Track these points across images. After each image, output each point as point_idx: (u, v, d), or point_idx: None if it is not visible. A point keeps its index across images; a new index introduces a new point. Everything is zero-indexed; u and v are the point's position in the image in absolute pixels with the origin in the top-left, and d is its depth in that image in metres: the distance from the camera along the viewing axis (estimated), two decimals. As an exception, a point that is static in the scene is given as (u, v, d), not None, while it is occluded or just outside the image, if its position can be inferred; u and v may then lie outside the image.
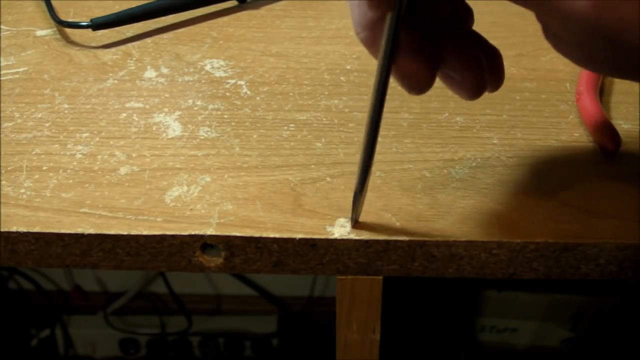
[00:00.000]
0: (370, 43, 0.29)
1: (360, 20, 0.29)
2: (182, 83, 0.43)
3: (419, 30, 0.28)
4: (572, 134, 0.39)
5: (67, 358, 1.00)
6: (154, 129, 0.40)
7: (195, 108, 0.41)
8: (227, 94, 0.42)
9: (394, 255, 0.34)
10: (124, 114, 0.41)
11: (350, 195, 0.35)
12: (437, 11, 0.29)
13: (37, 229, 0.33)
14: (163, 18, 0.49)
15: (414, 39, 0.28)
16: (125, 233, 0.33)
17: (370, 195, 0.35)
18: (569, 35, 0.26)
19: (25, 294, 0.97)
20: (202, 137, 0.39)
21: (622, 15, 0.23)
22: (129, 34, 0.48)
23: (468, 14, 0.31)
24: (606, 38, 0.24)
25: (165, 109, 0.41)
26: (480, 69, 0.30)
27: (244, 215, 0.34)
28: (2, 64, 0.45)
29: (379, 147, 0.38)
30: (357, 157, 0.38)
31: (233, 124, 0.40)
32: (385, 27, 0.27)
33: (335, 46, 0.47)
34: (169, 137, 0.39)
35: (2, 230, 0.33)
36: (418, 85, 0.29)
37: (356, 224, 0.33)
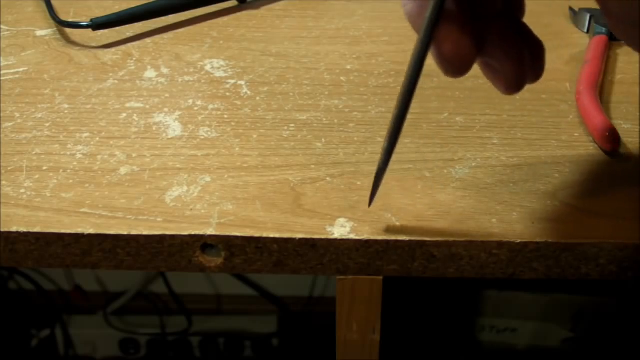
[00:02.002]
0: (414, 15, 0.28)
1: (407, 4, 0.28)
2: (182, 83, 0.43)
3: (466, 9, 0.27)
4: (572, 134, 0.39)
5: (67, 358, 1.00)
6: (154, 129, 0.40)
7: (195, 108, 0.41)
8: (227, 94, 0.42)
9: (394, 255, 0.34)
10: (124, 114, 0.41)
11: (350, 196, 0.35)
12: (490, 2, 0.28)
13: (37, 229, 0.33)
14: (163, 18, 0.49)
15: (459, 16, 0.27)
16: (125, 233, 0.33)
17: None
18: (625, 15, 0.26)
19: (25, 294, 0.97)
20: (202, 137, 0.39)
21: None
22: (129, 34, 0.48)
23: (521, 5, 0.30)
24: None
25: (165, 109, 0.41)
26: (521, 61, 0.29)
27: (244, 215, 0.34)
28: (2, 64, 0.45)
29: (379, 147, 0.38)
30: (357, 157, 0.38)
31: (233, 124, 0.40)
32: (429, 6, 0.27)
33: (335, 46, 0.47)
34: (169, 137, 0.39)
35: (2, 230, 0.33)
36: (456, 64, 0.28)
37: (372, 203, 0.33)
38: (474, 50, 0.28)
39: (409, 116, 0.40)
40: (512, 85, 0.29)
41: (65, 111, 0.41)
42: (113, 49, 0.47)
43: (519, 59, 0.29)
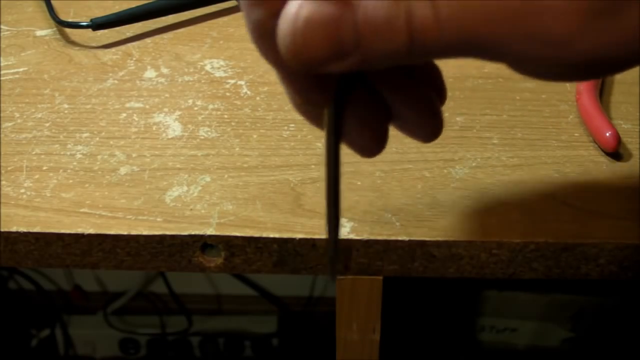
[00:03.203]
0: (310, 118, 0.27)
1: (294, 99, 0.26)
2: (182, 83, 0.43)
3: (364, 104, 0.26)
4: (572, 134, 0.39)
5: (67, 358, 1.00)
6: (154, 129, 0.40)
7: (195, 108, 0.41)
8: (227, 94, 0.42)
9: (394, 255, 0.34)
10: (124, 114, 0.41)
11: (350, 196, 0.35)
12: (388, 77, 0.26)
13: (37, 229, 0.33)
14: (163, 18, 0.49)
15: (359, 117, 0.26)
16: (125, 233, 0.33)
17: (370, 195, 0.35)
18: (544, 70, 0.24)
19: (25, 294, 0.97)
20: (202, 137, 0.39)
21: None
22: (129, 34, 0.48)
23: (441, 88, 0.28)
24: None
25: (165, 109, 0.41)
26: (434, 113, 0.27)
27: (244, 215, 0.34)
28: (2, 64, 0.45)
29: (379, 147, 0.38)
30: (356, 157, 0.37)
31: (233, 124, 0.40)
32: (327, 118, 0.25)
33: (335, 46, 0.47)
34: (169, 137, 0.39)
35: (2, 230, 0.33)
36: (368, 154, 0.27)
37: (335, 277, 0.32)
38: (381, 137, 0.27)
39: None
40: (433, 135, 0.28)
41: (65, 111, 0.41)
42: (113, 49, 0.47)
43: (433, 113, 0.27)
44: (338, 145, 0.26)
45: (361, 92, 0.26)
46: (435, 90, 0.27)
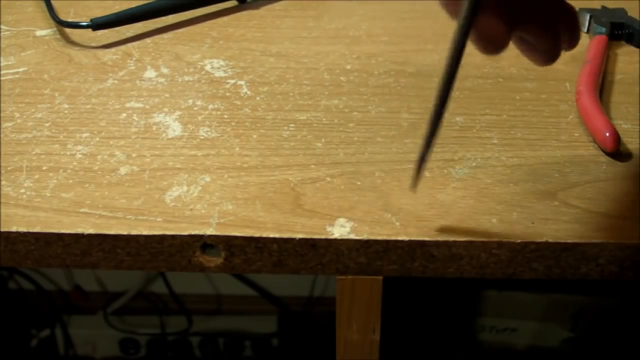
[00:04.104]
0: (452, 9, 0.28)
1: None
2: (182, 83, 0.43)
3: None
4: (572, 134, 0.39)
5: (67, 358, 1.00)
6: (154, 129, 0.40)
7: (195, 108, 0.41)
8: (227, 94, 0.42)
9: (394, 255, 0.34)
10: (124, 114, 0.41)
11: (350, 196, 0.35)
12: None
13: (37, 229, 0.33)
14: (163, 18, 0.49)
15: (492, 6, 0.27)
16: (125, 233, 0.33)
17: (370, 195, 0.35)
18: None
19: (25, 294, 0.97)
20: (202, 137, 0.39)
21: None
22: (129, 34, 0.48)
23: None
24: None
25: (165, 109, 0.41)
26: (556, 34, 0.29)
27: (244, 215, 0.34)
28: (2, 64, 0.45)
29: (379, 147, 0.38)
30: (357, 157, 0.38)
31: (233, 124, 0.40)
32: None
33: (335, 46, 0.47)
34: (169, 137, 0.39)
35: (2, 230, 0.33)
36: (495, 45, 0.28)
37: (415, 187, 0.33)
38: (511, 27, 0.28)
39: (409, 116, 0.41)
40: (549, 58, 0.29)
41: (65, 111, 0.41)
42: (113, 49, 0.47)
43: (553, 32, 0.29)
44: (471, 20, 0.27)
45: None
46: (566, 26, 0.29)
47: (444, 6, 0.29)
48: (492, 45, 0.28)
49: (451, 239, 0.33)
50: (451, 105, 0.41)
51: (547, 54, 0.29)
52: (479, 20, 0.27)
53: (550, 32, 0.29)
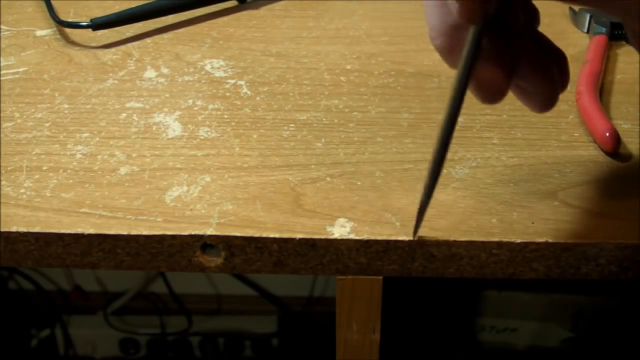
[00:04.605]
0: (446, 50, 0.28)
1: (437, 26, 0.28)
2: (182, 83, 0.43)
3: (498, 38, 0.28)
4: (572, 134, 0.39)
5: (67, 358, 1.00)
6: (154, 129, 0.40)
7: (195, 108, 0.41)
8: (227, 94, 0.42)
9: (394, 255, 0.34)
10: (124, 114, 0.41)
11: (350, 196, 0.35)
12: (513, 16, 0.29)
13: (37, 229, 0.33)
14: (163, 18, 0.49)
15: (494, 47, 0.27)
16: (125, 233, 0.33)
17: (370, 195, 0.35)
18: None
19: (25, 294, 0.97)
20: (202, 137, 0.39)
21: None
22: (129, 34, 0.48)
23: (536, 15, 0.30)
24: None
25: (165, 109, 0.41)
26: (552, 79, 0.29)
27: (244, 215, 0.34)
28: (2, 64, 0.45)
29: (379, 147, 0.38)
30: (357, 157, 0.38)
31: (233, 124, 0.40)
32: (469, 37, 0.27)
33: (335, 46, 0.47)
34: (169, 137, 0.39)
35: (2, 230, 0.33)
36: (494, 93, 0.29)
37: (417, 235, 0.33)
38: (509, 75, 0.28)
39: (409, 116, 0.41)
40: (547, 104, 0.30)
41: (65, 111, 0.41)
42: (113, 49, 0.47)
43: (550, 78, 0.29)
44: (471, 71, 0.27)
45: (496, 37, 0.27)
46: (559, 69, 0.29)
47: (443, 57, 0.29)
48: (491, 94, 0.29)
49: (451, 239, 0.33)
50: (451, 105, 0.41)
51: (546, 99, 0.30)
52: (477, 69, 0.27)
53: (547, 78, 0.29)
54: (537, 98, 0.29)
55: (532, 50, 0.29)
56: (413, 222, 0.34)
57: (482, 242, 0.33)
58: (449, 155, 0.38)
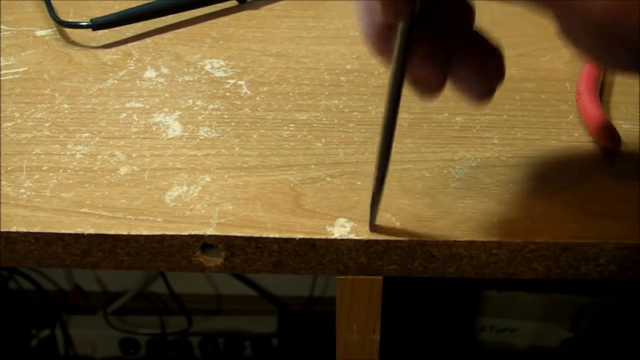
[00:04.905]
0: (379, 50, 0.29)
1: (368, 27, 0.28)
2: (182, 83, 0.43)
3: (430, 35, 0.28)
4: (572, 134, 0.39)
5: (67, 358, 1.00)
6: (154, 129, 0.40)
7: (195, 108, 0.41)
8: (227, 94, 0.42)
9: (394, 255, 0.34)
10: (124, 114, 0.41)
11: (350, 196, 0.35)
12: (445, 14, 0.29)
13: (37, 229, 0.33)
14: (163, 18, 0.49)
15: (426, 45, 0.28)
16: (125, 233, 0.33)
17: (370, 195, 0.35)
18: (585, 36, 0.26)
19: (25, 294, 0.97)
20: (202, 137, 0.39)
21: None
22: (129, 34, 0.48)
23: (471, 12, 0.30)
24: (620, 38, 0.24)
25: (165, 109, 0.41)
26: (487, 75, 0.30)
27: (244, 215, 0.34)
28: (2, 64, 0.45)
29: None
30: (357, 157, 0.38)
31: (233, 124, 0.40)
32: (398, 36, 0.27)
33: (335, 46, 0.47)
34: (169, 137, 0.39)
35: (2, 230, 0.33)
36: (430, 90, 0.29)
37: (374, 227, 0.33)
38: (444, 72, 0.29)
39: (409, 116, 0.41)
40: (484, 97, 0.30)
41: (65, 111, 0.41)
42: (113, 49, 0.47)
43: (485, 73, 0.29)
44: (404, 69, 0.27)
45: (428, 34, 0.28)
46: (494, 64, 0.30)
47: (378, 57, 0.29)
48: (428, 90, 0.29)
49: (451, 239, 0.33)
50: (451, 105, 0.41)
51: (481, 93, 0.30)
52: (411, 66, 0.28)
53: (483, 73, 0.29)
54: (472, 92, 0.30)
55: (466, 45, 0.29)
56: (413, 222, 0.34)
57: (482, 242, 0.33)
58: (449, 156, 0.38)
